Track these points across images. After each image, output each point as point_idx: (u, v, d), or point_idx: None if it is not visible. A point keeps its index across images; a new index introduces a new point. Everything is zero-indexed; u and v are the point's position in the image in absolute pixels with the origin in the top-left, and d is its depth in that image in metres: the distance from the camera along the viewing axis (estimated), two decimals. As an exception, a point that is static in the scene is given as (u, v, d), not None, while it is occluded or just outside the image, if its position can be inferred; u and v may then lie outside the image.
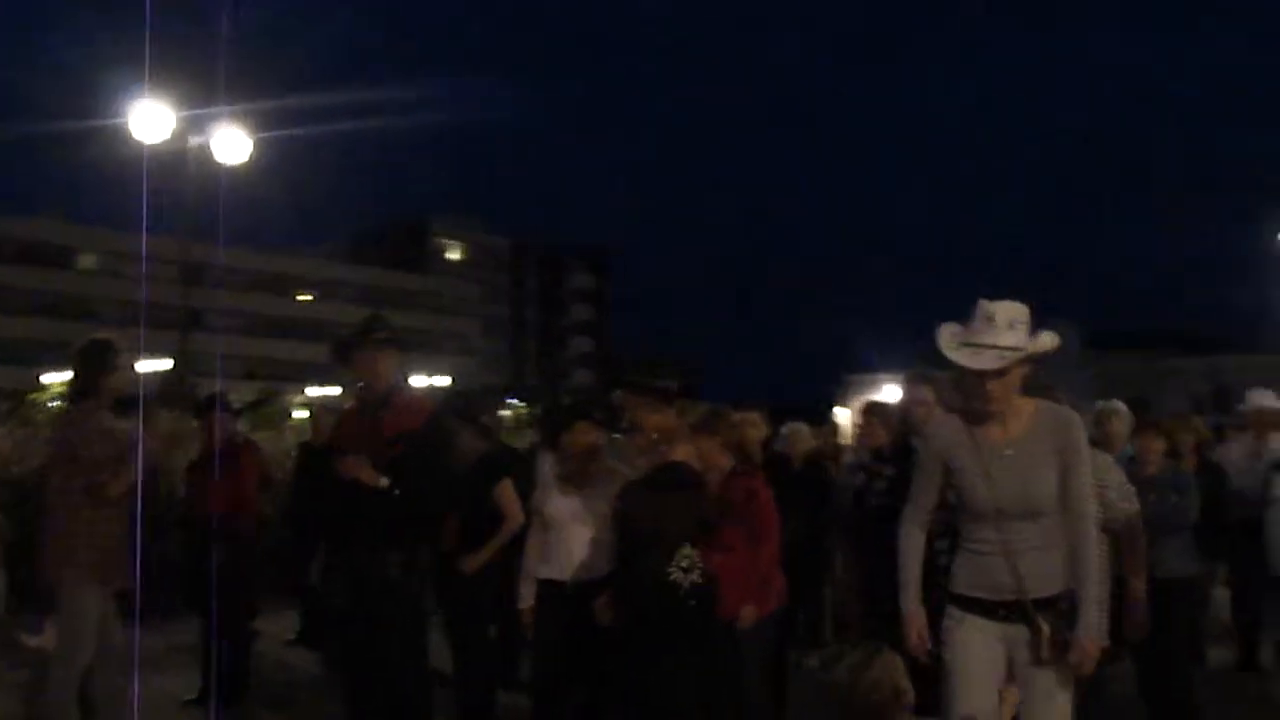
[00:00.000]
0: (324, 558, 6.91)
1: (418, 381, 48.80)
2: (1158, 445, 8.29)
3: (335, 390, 64.59)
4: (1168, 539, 8.00)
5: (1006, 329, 4.94)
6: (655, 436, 6.48)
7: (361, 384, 7.12)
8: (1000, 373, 4.92)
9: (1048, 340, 5.06)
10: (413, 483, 6.65)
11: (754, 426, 8.48)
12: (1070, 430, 5.09)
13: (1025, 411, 5.10)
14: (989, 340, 4.92)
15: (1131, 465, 8.02)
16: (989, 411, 5.03)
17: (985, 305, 5.02)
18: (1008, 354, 4.90)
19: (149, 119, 22.76)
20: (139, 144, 23.17)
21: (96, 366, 7.32)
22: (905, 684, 4.34)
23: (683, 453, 6.42)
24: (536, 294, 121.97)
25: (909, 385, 6.73)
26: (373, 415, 6.85)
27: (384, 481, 6.60)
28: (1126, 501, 6.40)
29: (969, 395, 5.10)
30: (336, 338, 7.33)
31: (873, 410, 8.55)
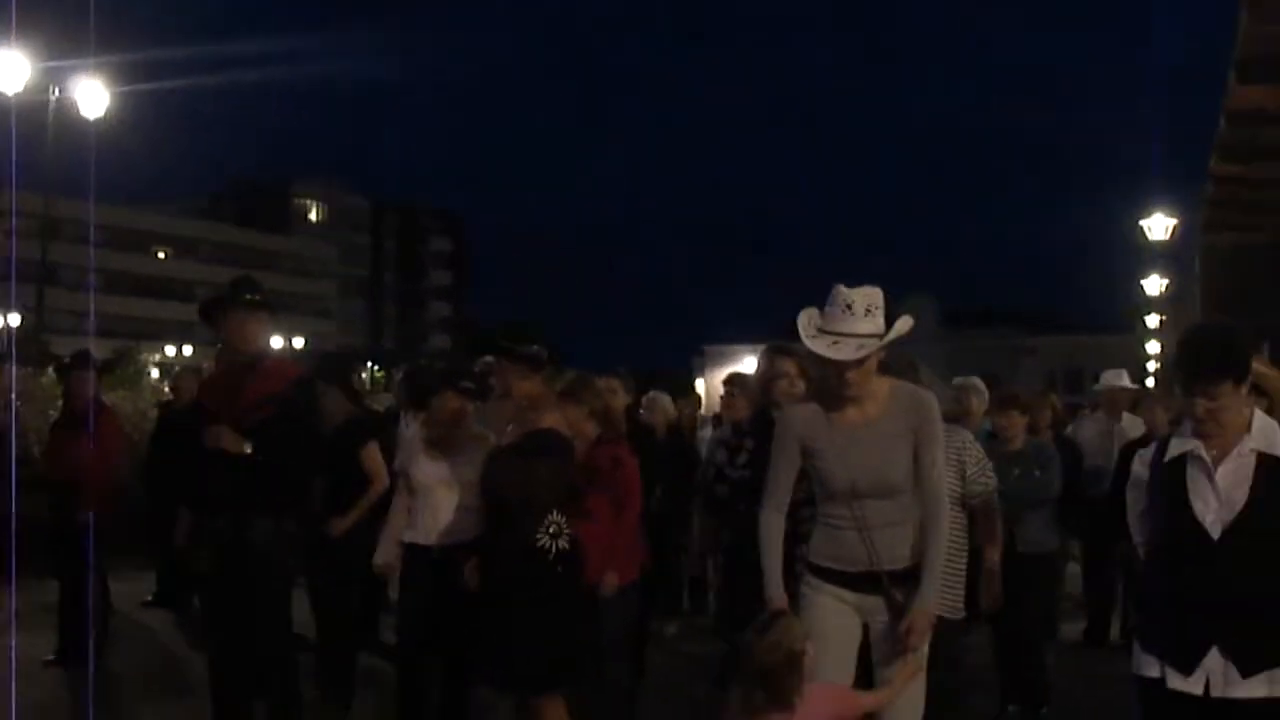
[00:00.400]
0: (189, 522, 6.84)
1: (275, 343, 48.40)
2: (1020, 420, 8.50)
3: (190, 350, 63.81)
4: (1030, 514, 8.24)
5: (864, 316, 4.98)
6: (524, 403, 6.54)
7: (227, 346, 7.00)
8: (859, 362, 4.98)
9: (903, 326, 5.12)
10: (279, 447, 6.59)
11: (618, 395, 8.55)
12: (924, 410, 5.19)
13: (881, 393, 5.17)
14: (847, 329, 4.96)
15: (990, 441, 8.22)
16: (847, 397, 5.10)
17: (843, 292, 5.04)
18: (867, 343, 4.95)
19: (7, 69, 22.31)
20: (-3, 94, 22.74)
21: None
22: (802, 647, 4.48)
23: (551, 419, 6.47)
24: (395, 257, 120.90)
25: (770, 358, 6.80)
26: (240, 378, 6.76)
27: (248, 448, 6.54)
28: (985, 476, 6.59)
29: (828, 382, 5.16)
30: (204, 298, 7.27)
31: (735, 382, 8.68)
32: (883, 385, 5.19)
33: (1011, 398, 8.73)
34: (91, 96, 24.11)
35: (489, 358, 7.09)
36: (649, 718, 8.09)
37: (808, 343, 5.05)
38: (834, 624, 5.17)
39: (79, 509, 8.84)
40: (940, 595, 5.95)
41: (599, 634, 6.81)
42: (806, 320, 5.09)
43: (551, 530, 6.23)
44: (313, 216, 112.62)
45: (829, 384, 5.15)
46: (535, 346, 6.55)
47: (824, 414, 5.19)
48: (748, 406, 8.10)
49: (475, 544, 6.89)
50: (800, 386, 6.73)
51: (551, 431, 6.39)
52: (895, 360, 6.60)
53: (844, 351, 4.95)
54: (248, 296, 6.84)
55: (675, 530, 10.01)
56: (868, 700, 4.86)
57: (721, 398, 9.31)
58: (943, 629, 5.73)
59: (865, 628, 5.21)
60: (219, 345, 7.15)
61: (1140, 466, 4.61)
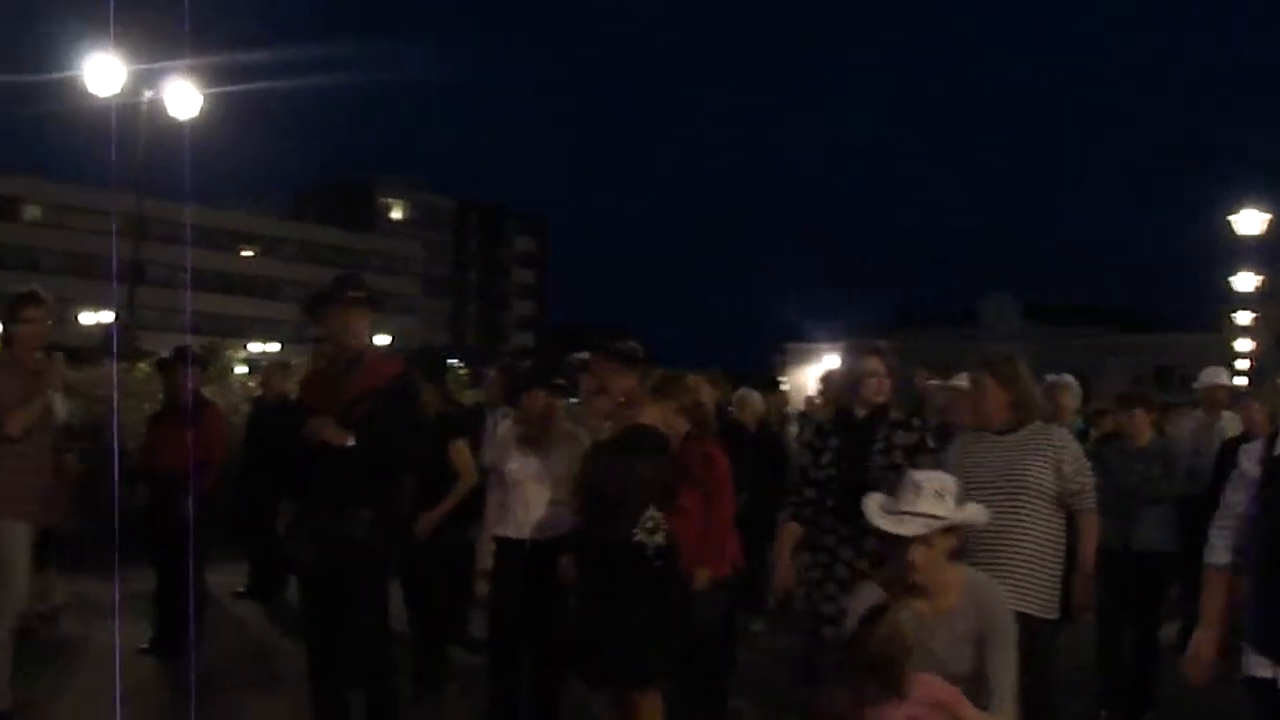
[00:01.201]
0: (290, 514, 6.88)
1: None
2: (1145, 418, 8.51)
3: (276, 346, 64.43)
4: (1146, 511, 8.22)
5: (933, 498, 4.90)
6: (621, 400, 6.58)
7: (329, 341, 7.05)
8: (925, 541, 4.85)
9: (974, 512, 5.05)
10: (381, 441, 6.63)
11: (709, 391, 8.56)
12: (995, 609, 4.97)
13: (953, 584, 4.98)
14: (913, 508, 4.89)
15: (1081, 439, 8.19)
16: (913, 583, 4.90)
17: (912, 474, 5.06)
18: (933, 522, 4.85)
19: (103, 72, 22.63)
20: (90, 97, 23.10)
21: (6, 318, 7.63)
22: (912, 639, 4.49)
23: (649, 416, 6.51)
24: (478, 255, 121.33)
25: (856, 355, 6.76)
26: (343, 373, 6.81)
27: (350, 441, 6.58)
28: (1082, 475, 6.51)
29: (896, 570, 4.99)
30: (309, 294, 7.33)
31: (827, 380, 8.69)
32: (957, 576, 5.01)
33: (1137, 396, 8.76)
34: (183, 98, 24.39)
35: (582, 354, 7.14)
36: (737, 713, 8.12)
37: (872, 520, 4.99)
38: None
39: (180, 501, 8.97)
40: (1034, 594, 5.95)
41: (692, 629, 6.83)
42: (875, 504, 5.03)
43: (649, 526, 6.25)
44: (397, 215, 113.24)
45: (896, 571, 4.99)
46: (631, 343, 6.60)
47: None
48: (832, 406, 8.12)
49: (568, 539, 6.95)
50: (888, 385, 6.73)
51: (649, 428, 6.41)
52: (993, 354, 6.58)
53: (908, 527, 4.85)
54: (352, 292, 6.88)
55: (764, 526, 10.00)
56: (971, 713, 4.77)
57: (808, 397, 9.31)
58: (1036, 628, 5.70)
59: None
60: (316, 341, 7.20)
61: (1249, 463, 4.54)
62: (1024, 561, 6.00)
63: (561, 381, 7.59)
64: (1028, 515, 6.15)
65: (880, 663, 4.47)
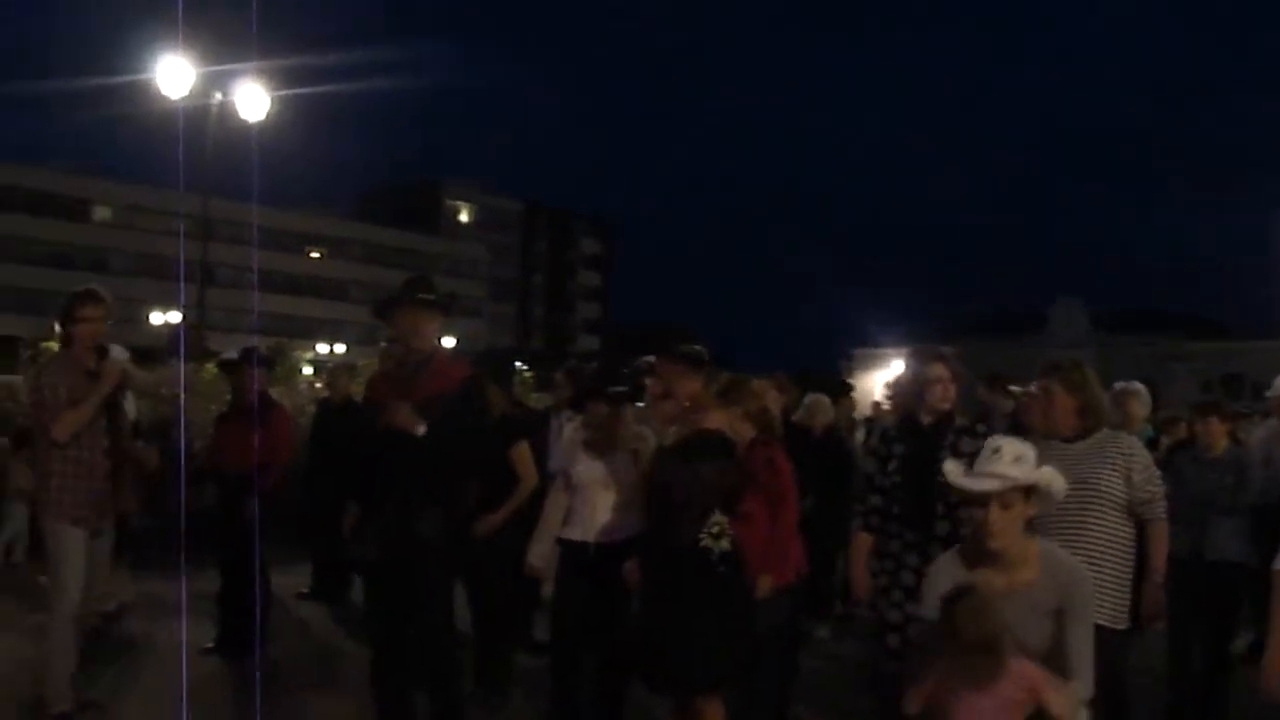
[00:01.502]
0: (356, 514, 6.90)
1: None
2: (1220, 427, 8.43)
3: (341, 348, 64.82)
4: (1220, 521, 8.12)
5: (1011, 461, 4.93)
6: (687, 404, 6.56)
7: (398, 342, 7.08)
8: (1002, 501, 4.86)
9: (1051, 475, 5.02)
10: (450, 442, 6.64)
11: (775, 396, 8.52)
12: (1075, 584, 4.95)
13: (1031, 556, 4.96)
14: (989, 469, 4.93)
15: (1150, 447, 8.10)
16: (990, 550, 4.91)
17: (993, 440, 5.11)
18: (1009, 480, 4.87)
19: (173, 75, 22.85)
20: (160, 99, 23.35)
21: (64, 317, 7.63)
22: (1003, 619, 4.52)
23: (716, 421, 6.48)
24: (545, 258, 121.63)
25: (921, 361, 6.72)
26: (412, 375, 6.82)
27: (422, 429, 6.56)
28: (1152, 484, 6.43)
29: (974, 539, 5.05)
30: (379, 297, 7.34)
31: (895, 386, 8.62)
32: (1032, 548, 4.98)
33: (1212, 404, 8.64)
34: (252, 100, 24.60)
35: (648, 358, 7.12)
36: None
37: (951, 480, 5.06)
38: None
39: (245, 502, 9.02)
40: (1103, 603, 5.87)
41: (756, 636, 6.79)
42: (954, 467, 5.11)
43: (715, 531, 6.21)
44: (463, 218, 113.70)
45: (973, 540, 5.03)
46: (697, 346, 6.58)
47: (967, 574, 4.97)
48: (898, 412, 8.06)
49: (632, 542, 6.92)
50: (953, 391, 6.69)
51: (716, 432, 6.38)
52: (1062, 361, 6.53)
53: (985, 483, 4.88)
54: (422, 295, 6.90)
55: (829, 531, 9.95)
56: (1058, 702, 4.71)
57: (874, 402, 9.25)
58: (1105, 637, 5.63)
59: None
60: (384, 343, 7.22)
61: None
62: (1093, 570, 5.93)
63: (623, 389, 7.57)
64: (1097, 523, 6.10)
65: (982, 641, 4.47)
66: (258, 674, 8.12)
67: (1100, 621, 5.51)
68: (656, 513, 6.47)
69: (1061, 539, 5.59)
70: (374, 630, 6.98)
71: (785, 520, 7.26)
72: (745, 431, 7.18)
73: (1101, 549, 6.07)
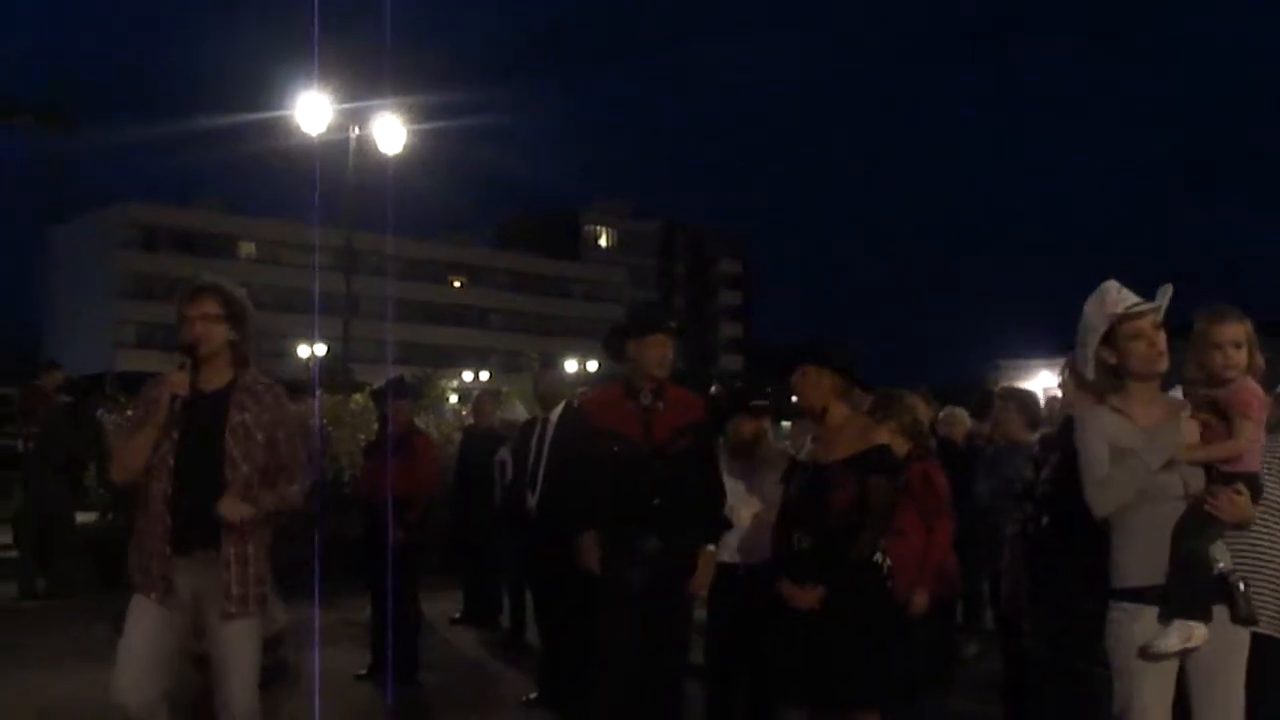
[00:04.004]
0: (595, 542, 6.73)
1: (570, 366, 49.23)
2: None
3: (485, 375, 65.28)
4: None
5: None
6: (842, 420, 6.40)
7: (635, 372, 6.87)
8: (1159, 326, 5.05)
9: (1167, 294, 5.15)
10: (704, 473, 6.71)
11: (925, 410, 8.39)
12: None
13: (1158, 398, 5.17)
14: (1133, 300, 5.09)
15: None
16: (1156, 373, 5.11)
17: (1112, 284, 5.22)
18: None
19: (312, 111, 23.21)
20: (298, 134, 23.76)
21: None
22: None
23: (884, 436, 6.34)
24: (684, 279, 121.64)
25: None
26: (651, 404, 6.75)
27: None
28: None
29: (1136, 362, 5.14)
30: (612, 326, 7.33)
31: (1007, 396, 8.47)
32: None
33: None
34: (390, 134, 24.92)
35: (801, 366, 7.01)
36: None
37: (1118, 306, 5.10)
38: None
39: (394, 529, 9.06)
40: (1265, 610, 5.60)
41: (910, 653, 6.67)
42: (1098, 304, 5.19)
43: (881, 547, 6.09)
44: (602, 242, 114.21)
45: (1138, 363, 5.12)
46: (851, 360, 6.46)
47: (1122, 415, 5.11)
48: (1022, 422, 7.93)
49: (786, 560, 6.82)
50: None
51: (886, 448, 6.23)
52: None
53: (1148, 304, 5.00)
54: (675, 323, 6.94)
55: (980, 547, 9.79)
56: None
57: (1050, 398, 9.06)
58: (1268, 651, 5.40)
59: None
60: (618, 370, 7.13)
61: None
62: (1255, 576, 5.68)
63: (760, 403, 7.48)
64: (1260, 525, 5.84)
65: None
66: (392, 698, 8.07)
67: (1266, 631, 5.31)
68: (812, 528, 6.24)
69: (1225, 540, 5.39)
70: (614, 659, 6.71)
71: (940, 537, 7.17)
72: (901, 446, 7.06)
73: (1263, 553, 5.83)
